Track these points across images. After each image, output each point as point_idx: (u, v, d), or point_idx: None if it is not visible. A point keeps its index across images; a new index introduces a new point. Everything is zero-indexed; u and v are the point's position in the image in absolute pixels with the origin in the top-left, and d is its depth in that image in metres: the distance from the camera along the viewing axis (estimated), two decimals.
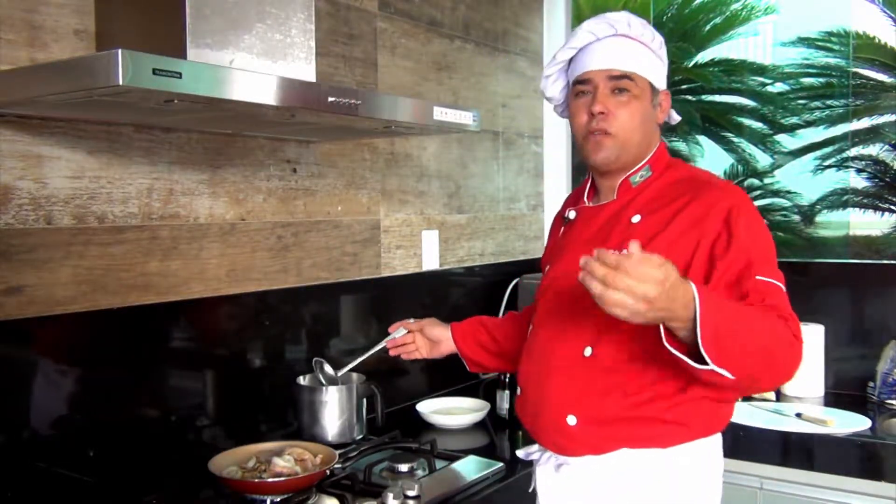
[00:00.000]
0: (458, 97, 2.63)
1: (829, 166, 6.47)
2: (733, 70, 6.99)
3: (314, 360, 1.96)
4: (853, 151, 6.39)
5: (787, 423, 2.17)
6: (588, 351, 1.39)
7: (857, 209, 6.38)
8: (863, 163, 6.45)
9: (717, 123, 6.91)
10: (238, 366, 1.92)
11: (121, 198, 1.65)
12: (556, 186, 3.09)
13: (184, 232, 1.77)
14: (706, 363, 1.11)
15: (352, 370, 1.94)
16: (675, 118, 1.57)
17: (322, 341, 2.14)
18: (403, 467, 1.74)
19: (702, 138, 6.81)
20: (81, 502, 1.56)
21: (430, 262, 2.53)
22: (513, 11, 2.92)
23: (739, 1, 7.05)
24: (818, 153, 6.54)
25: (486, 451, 1.94)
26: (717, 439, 1.45)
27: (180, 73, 1.17)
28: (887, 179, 6.40)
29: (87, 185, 1.59)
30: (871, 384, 2.39)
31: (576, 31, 1.47)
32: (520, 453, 1.59)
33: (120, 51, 1.09)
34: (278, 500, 1.53)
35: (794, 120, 6.79)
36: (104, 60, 1.11)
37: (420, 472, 1.74)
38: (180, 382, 1.79)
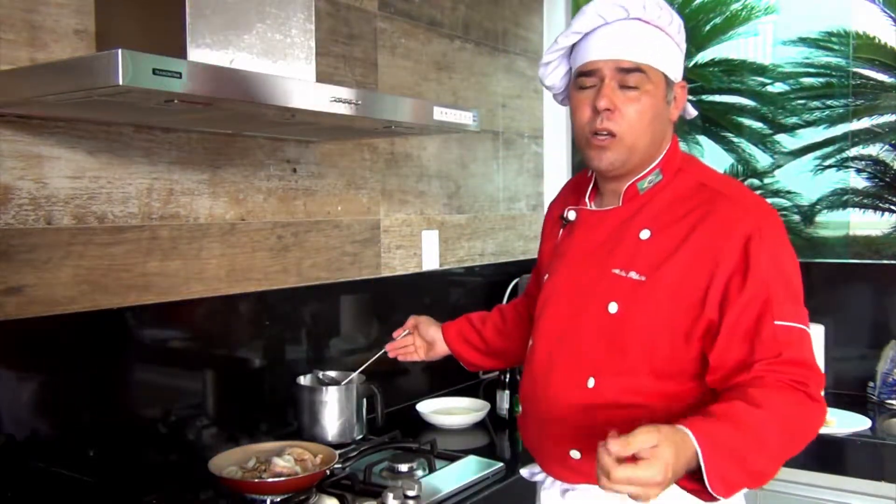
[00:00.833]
0: (458, 97, 2.63)
1: (829, 166, 6.47)
2: (733, 70, 6.98)
3: (314, 371, 1.97)
4: (853, 151, 6.38)
5: None
6: (591, 382, 1.28)
7: (857, 209, 6.38)
8: (863, 163, 6.45)
9: (717, 123, 6.91)
10: (238, 366, 1.92)
11: (121, 198, 1.65)
12: (556, 186, 3.06)
13: (184, 232, 1.77)
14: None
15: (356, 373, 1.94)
16: (691, 112, 1.39)
17: (322, 341, 2.14)
18: (403, 467, 1.74)
19: (702, 138, 6.81)
20: (81, 502, 1.56)
21: (430, 262, 2.53)
22: (513, 11, 2.92)
23: (739, 1, 7.05)
24: (818, 153, 6.54)
25: (486, 451, 1.94)
26: None
27: (180, 73, 1.17)
28: (887, 179, 6.39)
29: (86, 185, 1.58)
30: (871, 384, 2.40)
31: (582, 13, 1.27)
32: (524, 472, 1.50)
33: (120, 51, 1.09)
34: (278, 500, 1.53)
35: (794, 120, 6.79)
36: (104, 60, 1.11)
37: (420, 472, 1.74)
38: (180, 382, 1.79)
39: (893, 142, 6.25)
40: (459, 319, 1.77)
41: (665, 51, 1.28)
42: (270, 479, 1.55)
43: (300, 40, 1.60)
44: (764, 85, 7.08)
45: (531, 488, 1.52)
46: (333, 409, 1.94)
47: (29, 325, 1.49)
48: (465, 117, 1.79)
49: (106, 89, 1.14)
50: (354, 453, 1.84)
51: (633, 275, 1.25)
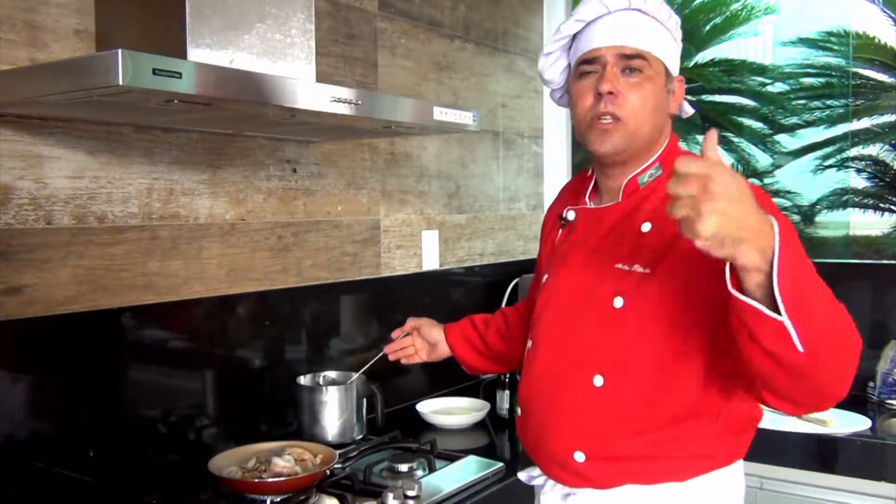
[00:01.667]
0: (458, 97, 2.63)
1: (829, 166, 6.47)
2: (733, 70, 6.98)
3: (315, 374, 1.97)
4: (853, 151, 6.38)
5: (787, 423, 2.16)
6: (598, 380, 1.24)
7: (857, 209, 6.37)
8: (863, 163, 6.45)
9: (717, 123, 6.90)
10: (238, 366, 1.92)
11: (121, 198, 1.65)
12: (556, 186, 3.06)
13: (184, 232, 1.77)
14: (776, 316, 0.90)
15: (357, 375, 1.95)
16: (688, 110, 1.40)
17: (322, 341, 2.14)
18: (403, 467, 1.74)
19: (702, 138, 6.81)
20: (81, 502, 1.56)
21: (430, 262, 2.53)
22: (513, 11, 2.92)
23: (739, 1, 7.05)
24: (818, 153, 6.54)
25: (486, 451, 1.94)
26: (738, 465, 1.32)
27: (180, 73, 1.17)
28: (887, 179, 6.39)
29: (87, 185, 1.59)
30: (871, 384, 2.39)
31: (584, 1, 1.29)
32: (521, 476, 1.49)
33: (120, 51, 1.09)
34: (278, 500, 1.53)
35: (794, 120, 6.79)
36: (104, 60, 1.11)
37: (420, 472, 1.74)
38: (180, 382, 1.79)
39: (893, 142, 6.25)
40: (462, 321, 1.76)
41: (664, 42, 1.29)
42: (270, 479, 1.55)
43: (300, 40, 1.60)
44: (764, 85, 7.08)
45: (531, 489, 1.52)
46: (333, 409, 1.94)
47: (29, 325, 1.49)
48: (465, 117, 1.79)
49: (106, 89, 1.14)
50: (354, 453, 1.84)
51: (638, 268, 1.23)
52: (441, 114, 1.72)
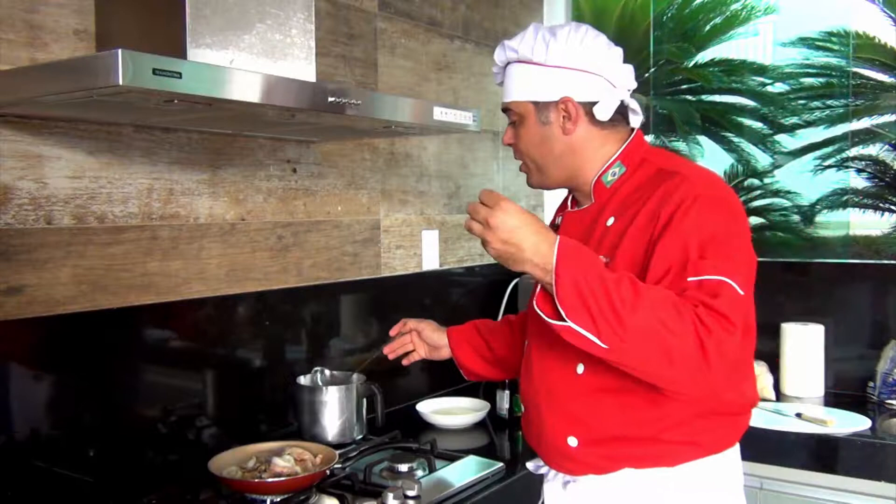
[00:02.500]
0: (458, 97, 2.63)
1: (829, 166, 6.45)
2: (733, 70, 6.97)
3: (314, 369, 1.97)
4: (853, 151, 6.38)
5: (787, 423, 2.17)
6: (580, 368, 1.34)
7: (857, 209, 6.37)
8: (863, 163, 6.44)
9: (717, 123, 6.89)
10: (238, 366, 1.92)
11: (121, 198, 1.65)
12: None
13: (184, 232, 1.77)
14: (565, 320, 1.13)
15: (355, 373, 1.95)
16: (634, 121, 1.45)
17: (322, 341, 2.14)
18: (403, 467, 1.74)
19: (702, 138, 6.79)
20: (81, 502, 1.56)
21: (430, 262, 2.52)
22: (513, 11, 2.92)
23: (739, 1, 7.05)
24: (818, 153, 6.52)
25: (486, 451, 1.94)
26: (731, 454, 1.38)
27: (180, 73, 1.17)
28: (887, 179, 6.39)
29: (87, 185, 1.58)
30: (871, 384, 2.39)
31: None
32: (530, 466, 1.57)
33: (120, 51, 1.09)
34: (278, 500, 1.53)
35: (794, 120, 6.77)
36: (104, 60, 1.11)
37: (420, 472, 1.74)
38: (180, 382, 1.79)
39: (893, 142, 6.25)
40: (467, 326, 1.77)
41: (530, 80, 1.41)
42: (270, 479, 1.55)
43: (300, 40, 1.60)
44: (764, 85, 7.07)
45: (531, 489, 1.52)
46: (333, 409, 1.94)
47: (29, 325, 1.49)
48: (465, 117, 1.79)
49: (106, 89, 1.14)
50: (354, 453, 1.84)
51: (602, 258, 1.31)
52: (441, 114, 1.72)
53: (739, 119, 7.14)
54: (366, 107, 1.53)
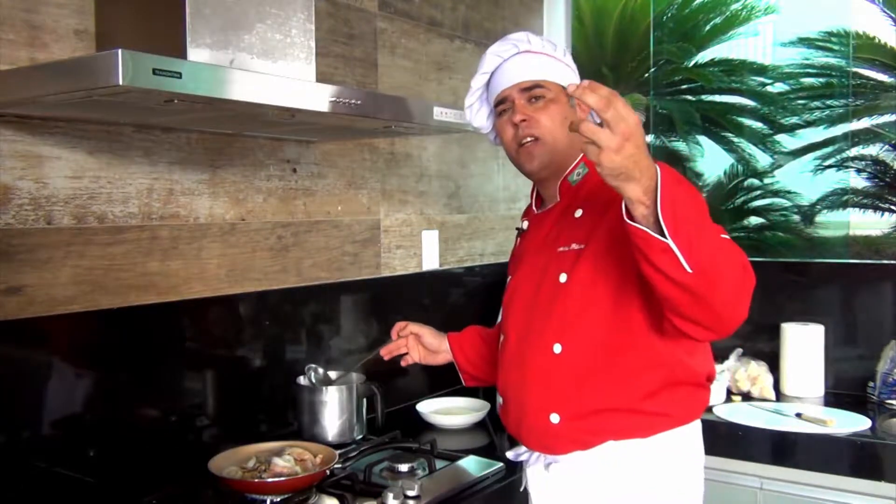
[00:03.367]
0: (458, 97, 2.63)
1: (829, 166, 6.46)
2: (733, 70, 6.98)
3: (307, 367, 1.97)
4: (853, 151, 6.38)
5: (787, 423, 2.17)
6: (557, 348, 1.41)
7: (857, 209, 6.37)
8: (863, 163, 6.45)
9: (717, 123, 6.90)
10: (238, 366, 1.92)
11: (121, 198, 1.65)
12: None
13: (184, 232, 1.77)
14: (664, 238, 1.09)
15: (350, 371, 1.95)
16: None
17: (322, 341, 2.14)
18: (403, 467, 1.74)
19: (702, 138, 6.80)
20: (81, 502, 1.56)
21: (430, 262, 2.53)
22: (513, 11, 2.92)
23: (739, 1, 7.05)
24: (818, 153, 6.53)
25: (486, 451, 1.94)
26: (696, 426, 1.47)
27: (180, 73, 1.17)
28: (887, 179, 6.40)
29: (87, 185, 1.59)
30: (871, 384, 2.39)
31: (483, 57, 1.53)
32: (509, 454, 1.61)
33: (120, 51, 1.09)
34: (278, 500, 1.53)
35: (794, 120, 6.78)
36: (104, 60, 1.11)
37: (420, 472, 1.74)
38: (180, 382, 1.79)
39: (893, 142, 6.25)
40: (467, 331, 1.84)
41: (555, 69, 1.51)
42: (270, 479, 1.55)
43: (300, 40, 1.60)
44: (764, 85, 7.08)
45: (522, 490, 1.53)
46: (333, 409, 1.94)
47: (29, 325, 1.49)
48: (465, 117, 1.79)
49: (106, 89, 1.15)
50: (354, 453, 1.84)
51: (574, 246, 1.43)
52: (441, 114, 1.73)
53: (739, 119, 7.15)
54: (366, 107, 1.53)
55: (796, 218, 6.57)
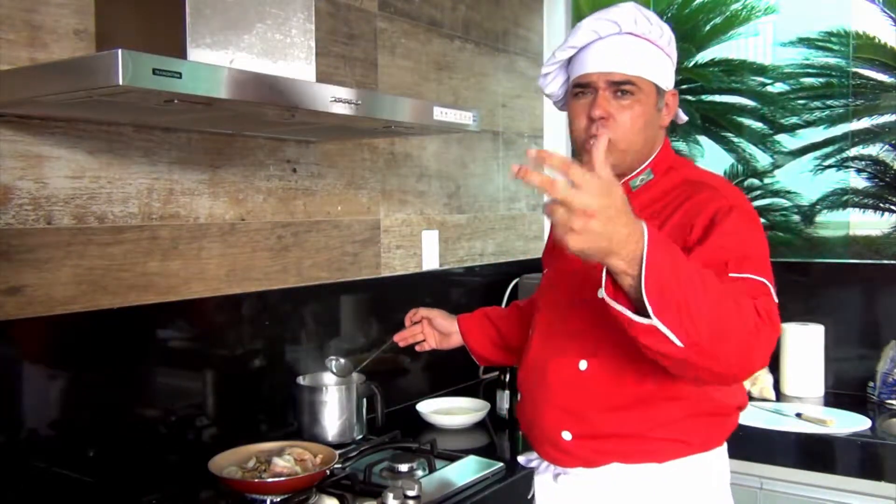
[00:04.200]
0: (458, 97, 2.63)
1: (829, 166, 6.46)
2: (733, 70, 6.98)
3: (327, 358, 1.96)
4: (853, 151, 6.38)
5: (787, 423, 2.17)
6: (583, 365, 1.35)
7: (857, 209, 6.37)
8: (863, 163, 6.45)
9: (717, 123, 6.90)
10: (238, 366, 1.92)
11: (121, 198, 1.65)
12: None
13: (184, 232, 1.77)
14: (649, 318, 0.97)
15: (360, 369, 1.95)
16: (682, 118, 1.47)
17: (322, 341, 2.13)
18: (403, 467, 1.74)
19: (702, 138, 6.80)
20: (81, 502, 1.56)
21: (430, 262, 2.53)
22: (513, 11, 2.92)
23: (739, 1, 7.05)
24: (818, 153, 6.53)
25: (486, 451, 1.94)
26: (718, 453, 1.40)
27: (180, 73, 1.17)
28: (887, 179, 6.40)
29: (87, 185, 1.59)
30: (871, 384, 2.39)
31: (577, 29, 1.36)
32: (521, 459, 1.59)
33: (120, 51, 1.09)
34: (278, 500, 1.53)
35: (794, 120, 6.78)
36: (104, 60, 1.11)
37: (420, 472, 1.74)
38: (180, 382, 1.79)
39: (893, 142, 6.25)
40: (476, 313, 1.80)
41: (655, 62, 1.35)
42: (270, 479, 1.55)
43: (300, 40, 1.60)
44: (764, 85, 7.07)
45: (531, 489, 1.52)
46: (333, 409, 1.94)
47: (29, 325, 1.49)
48: (465, 117, 1.79)
49: (106, 89, 1.15)
50: (354, 453, 1.84)
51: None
52: (441, 114, 1.72)
53: (739, 119, 7.15)
54: (366, 107, 1.53)
55: (796, 218, 6.57)
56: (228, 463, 1.63)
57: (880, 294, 2.48)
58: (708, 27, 7.08)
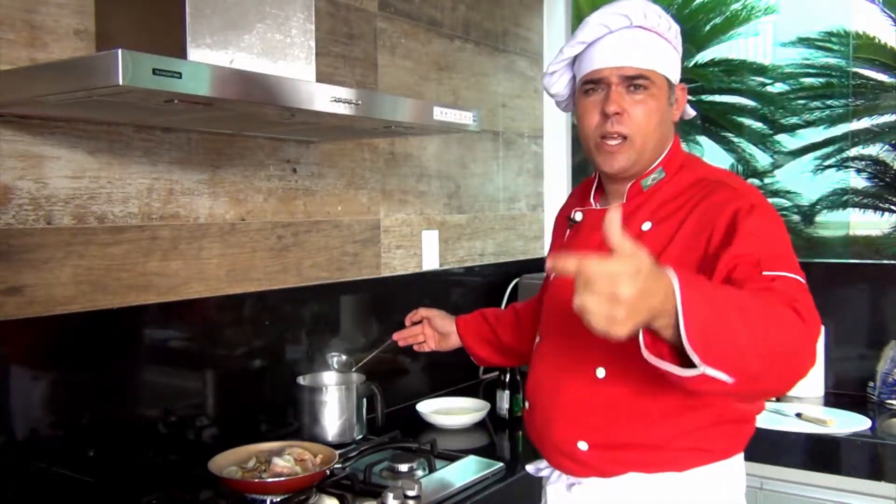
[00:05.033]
0: (458, 97, 2.63)
1: (829, 166, 6.47)
2: (733, 70, 6.99)
3: (329, 354, 1.96)
4: (853, 151, 6.39)
5: (787, 423, 2.17)
6: (601, 372, 1.29)
7: (857, 209, 6.38)
8: (863, 163, 6.45)
9: (717, 123, 6.91)
10: (238, 366, 1.92)
11: (121, 198, 1.65)
12: (556, 186, 3.09)
13: (184, 232, 1.77)
14: (694, 366, 0.92)
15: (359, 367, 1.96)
16: (690, 112, 1.43)
17: (322, 341, 2.13)
18: (403, 467, 1.74)
19: (702, 138, 6.81)
20: (81, 502, 1.56)
21: (430, 262, 2.53)
22: (513, 11, 2.92)
23: (739, 1, 7.06)
24: (818, 153, 6.54)
25: (486, 451, 1.94)
26: (737, 458, 1.36)
27: (180, 73, 1.17)
28: (887, 179, 6.40)
29: (87, 185, 1.59)
30: (871, 384, 2.39)
31: (585, 24, 1.31)
32: (529, 468, 1.53)
33: (120, 51, 1.09)
34: (278, 500, 1.53)
35: (794, 120, 6.79)
36: (104, 60, 1.11)
37: (420, 472, 1.74)
38: (180, 382, 1.79)
39: (893, 142, 6.25)
40: (474, 314, 1.79)
41: (665, 55, 1.32)
42: (270, 479, 1.55)
43: (300, 40, 1.60)
44: (764, 85, 7.08)
45: (531, 489, 1.52)
46: (333, 409, 1.94)
47: (29, 325, 1.49)
48: (465, 117, 1.79)
49: (106, 89, 1.14)
50: (354, 453, 1.84)
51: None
52: (441, 114, 1.72)
53: (739, 119, 7.15)
54: (366, 107, 1.53)
55: (796, 218, 6.58)
56: (228, 463, 1.63)
57: (880, 294, 2.48)
58: (708, 27, 7.10)
